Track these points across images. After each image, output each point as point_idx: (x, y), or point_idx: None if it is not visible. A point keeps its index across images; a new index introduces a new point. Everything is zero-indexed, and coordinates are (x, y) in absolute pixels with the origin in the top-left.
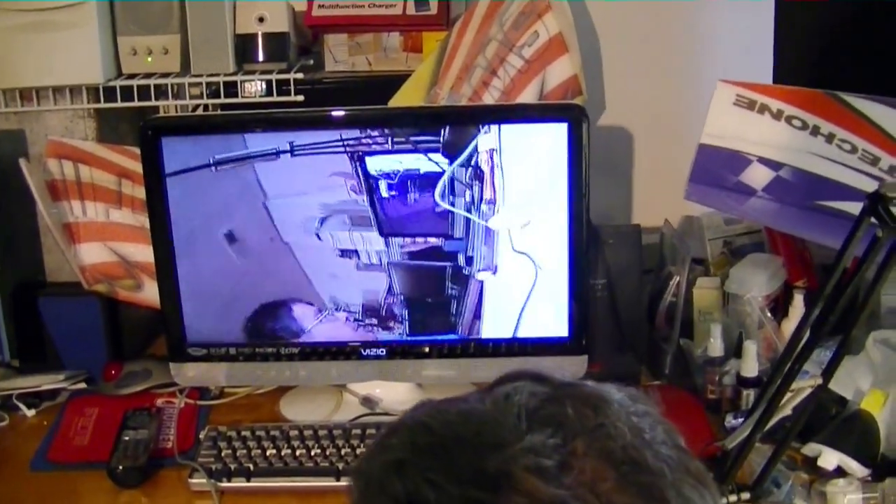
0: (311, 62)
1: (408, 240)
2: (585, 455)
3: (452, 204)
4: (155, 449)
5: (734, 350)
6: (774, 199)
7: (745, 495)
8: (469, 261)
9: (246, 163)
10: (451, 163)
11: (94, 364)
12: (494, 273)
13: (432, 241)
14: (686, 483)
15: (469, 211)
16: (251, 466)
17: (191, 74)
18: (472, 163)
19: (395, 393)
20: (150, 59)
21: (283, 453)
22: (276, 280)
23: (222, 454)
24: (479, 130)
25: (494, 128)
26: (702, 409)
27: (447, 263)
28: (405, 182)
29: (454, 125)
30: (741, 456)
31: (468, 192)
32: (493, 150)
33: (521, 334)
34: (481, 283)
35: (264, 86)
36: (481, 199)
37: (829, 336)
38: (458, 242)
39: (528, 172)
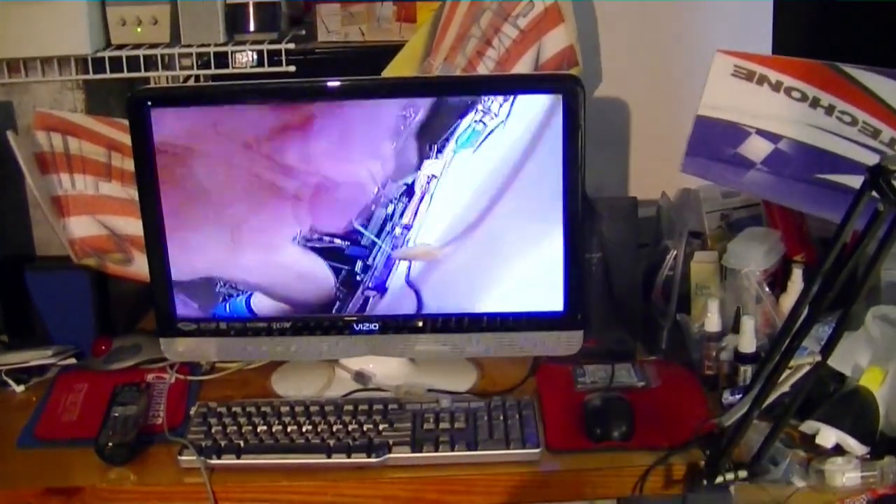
0: (304, 32)
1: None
2: None
3: (366, 224)
4: (144, 425)
5: (732, 325)
6: (773, 171)
7: (743, 473)
8: (365, 269)
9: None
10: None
11: (84, 339)
12: (381, 295)
13: (338, 242)
14: None
15: (379, 234)
16: (241, 443)
17: (181, 45)
18: (409, 182)
19: (388, 368)
20: (139, 29)
21: (273, 430)
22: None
23: (212, 430)
24: (430, 154)
25: (446, 153)
26: (698, 385)
27: (345, 267)
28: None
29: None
30: (738, 433)
31: (391, 210)
32: (435, 176)
33: (516, 309)
34: (367, 297)
35: (255, 56)
36: (398, 222)
37: (828, 312)
38: (362, 250)
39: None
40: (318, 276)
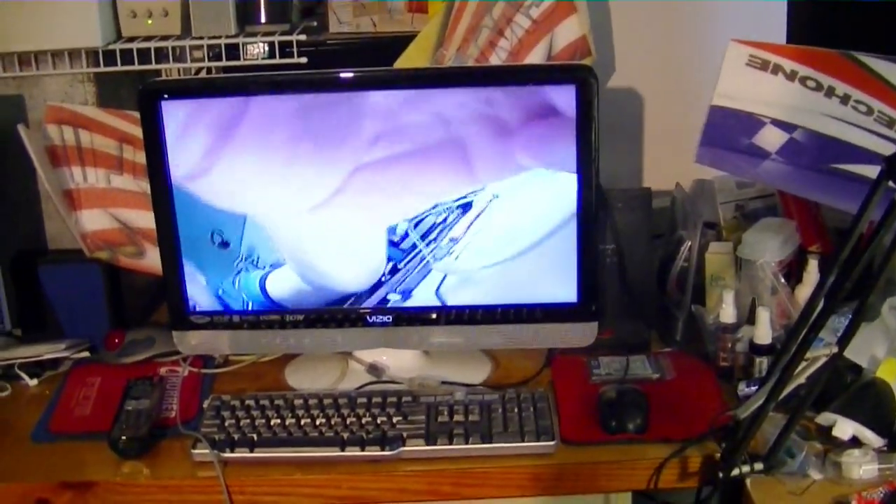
0: (315, 24)
1: None
2: None
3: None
4: (157, 419)
5: (747, 316)
6: (788, 161)
7: (759, 465)
8: (394, 271)
9: None
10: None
11: (97, 332)
12: (404, 300)
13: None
14: None
15: (425, 237)
16: (255, 437)
17: (192, 37)
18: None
19: (402, 360)
20: (150, 21)
21: (287, 423)
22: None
23: (225, 424)
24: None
25: (508, 183)
26: (714, 377)
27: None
28: None
29: None
30: (754, 425)
31: (443, 219)
32: (496, 195)
33: (530, 300)
34: (388, 299)
35: (267, 48)
36: (446, 234)
37: (844, 303)
38: (398, 252)
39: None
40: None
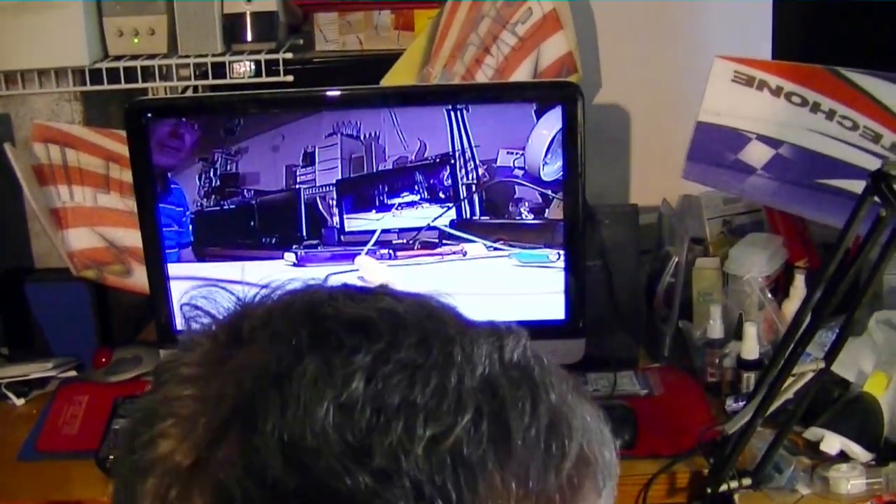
0: (301, 42)
1: None
2: None
3: None
4: None
5: (734, 332)
6: (774, 177)
7: (747, 481)
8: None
9: None
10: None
11: (84, 351)
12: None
13: None
14: None
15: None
16: None
17: (178, 55)
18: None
19: None
20: (136, 40)
21: None
22: None
23: None
24: None
25: None
26: (702, 392)
27: None
28: None
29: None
30: (742, 441)
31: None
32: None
33: (516, 317)
34: None
35: (253, 66)
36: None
37: (831, 317)
38: None
39: None
40: None
